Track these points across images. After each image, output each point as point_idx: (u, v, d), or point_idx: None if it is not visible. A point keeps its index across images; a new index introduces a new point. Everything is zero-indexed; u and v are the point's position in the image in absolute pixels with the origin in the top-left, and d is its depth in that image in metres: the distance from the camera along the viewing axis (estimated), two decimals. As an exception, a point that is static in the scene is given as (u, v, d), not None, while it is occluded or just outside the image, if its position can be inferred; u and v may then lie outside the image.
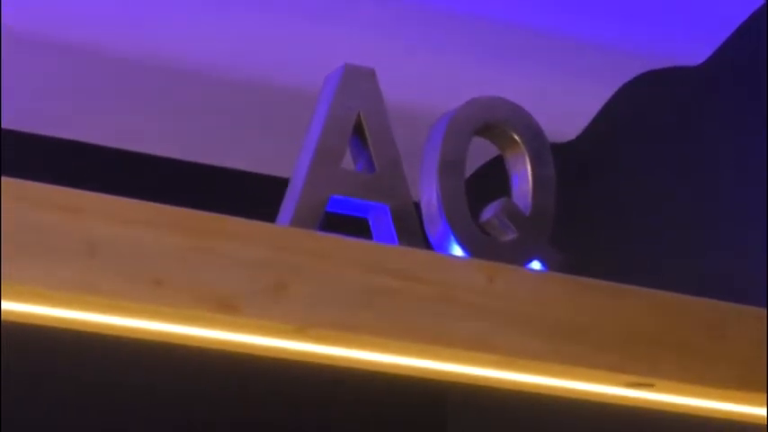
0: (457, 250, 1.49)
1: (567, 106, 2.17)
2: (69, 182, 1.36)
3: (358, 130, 1.50)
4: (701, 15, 1.96)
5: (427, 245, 1.52)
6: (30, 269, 1.29)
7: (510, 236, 1.53)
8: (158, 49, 1.99)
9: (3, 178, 1.30)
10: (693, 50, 2.03)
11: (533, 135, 1.57)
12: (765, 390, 1.54)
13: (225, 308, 1.37)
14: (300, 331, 1.40)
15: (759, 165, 1.93)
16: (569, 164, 1.87)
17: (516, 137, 1.56)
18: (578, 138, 2.28)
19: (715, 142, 2.05)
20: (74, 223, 1.33)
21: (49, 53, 2.00)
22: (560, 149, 1.70)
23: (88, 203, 1.34)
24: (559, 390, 1.60)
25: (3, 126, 2.15)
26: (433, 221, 1.51)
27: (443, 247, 1.51)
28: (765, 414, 1.61)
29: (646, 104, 2.19)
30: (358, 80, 1.50)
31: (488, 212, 1.54)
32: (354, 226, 1.52)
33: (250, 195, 1.71)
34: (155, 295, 1.35)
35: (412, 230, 1.51)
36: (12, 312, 1.35)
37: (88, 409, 2.28)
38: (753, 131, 1.96)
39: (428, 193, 1.52)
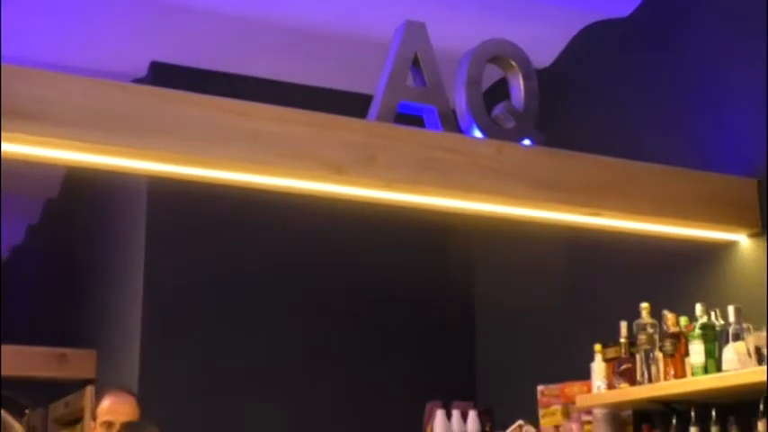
0: (478, 134, 2.11)
1: (543, 42, 2.78)
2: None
3: (415, 62, 2.12)
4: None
5: (460, 131, 2.12)
6: (214, 152, 1.90)
7: (510, 124, 2.15)
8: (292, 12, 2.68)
9: (202, 96, 1.91)
10: (623, 6, 2.65)
11: (524, 62, 2.19)
12: (672, 216, 2.18)
13: (336, 170, 1.97)
14: (386, 185, 2.02)
15: (672, 84, 2.51)
16: (545, 80, 2.41)
17: (514, 63, 2.19)
18: (550, 65, 2.88)
19: (636, 73, 2.62)
20: (244, 122, 1.93)
21: (223, 20, 2.70)
22: (540, 72, 2.24)
23: (250, 110, 1.95)
24: (546, 219, 2.22)
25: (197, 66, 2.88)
26: (463, 116, 2.11)
27: (470, 132, 2.12)
28: (673, 231, 2.24)
29: (590, 47, 2.77)
30: (415, 30, 2.11)
31: (497, 110, 2.15)
32: (415, 120, 2.12)
33: (347, 104, 2.23)
34: (293, 165, 1.95)
35: (450, 123, 2.11)
36: (214, 178, 1.99)
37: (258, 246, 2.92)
38: (666, 65, 2.52)
39: (460, 100, 2.13)
